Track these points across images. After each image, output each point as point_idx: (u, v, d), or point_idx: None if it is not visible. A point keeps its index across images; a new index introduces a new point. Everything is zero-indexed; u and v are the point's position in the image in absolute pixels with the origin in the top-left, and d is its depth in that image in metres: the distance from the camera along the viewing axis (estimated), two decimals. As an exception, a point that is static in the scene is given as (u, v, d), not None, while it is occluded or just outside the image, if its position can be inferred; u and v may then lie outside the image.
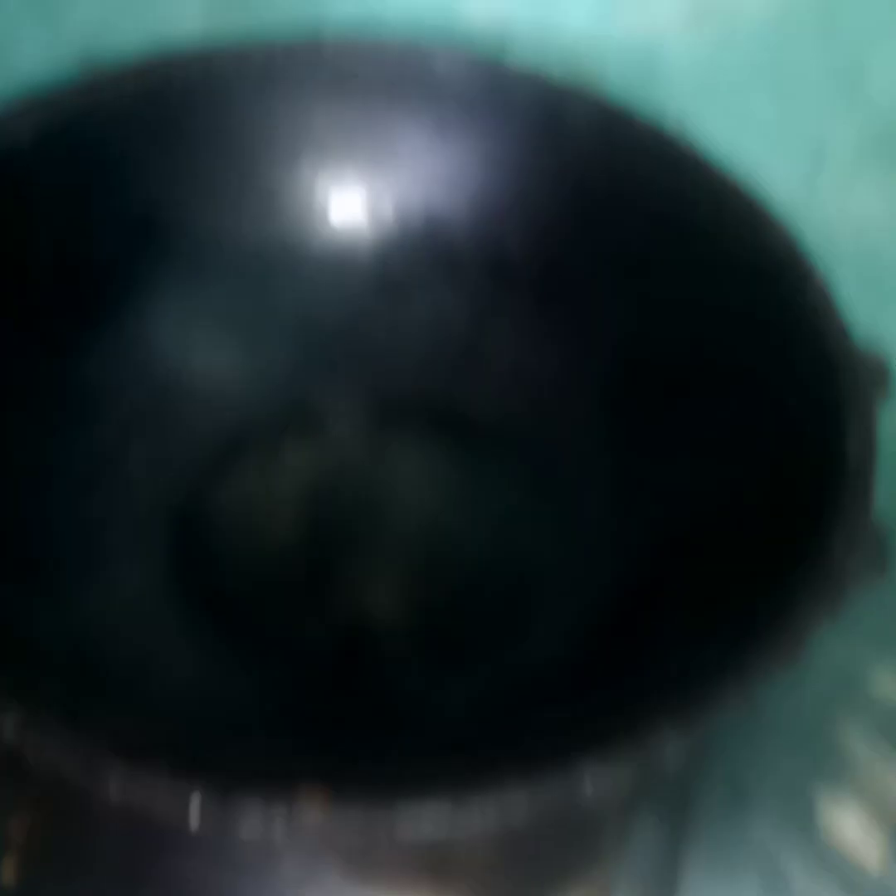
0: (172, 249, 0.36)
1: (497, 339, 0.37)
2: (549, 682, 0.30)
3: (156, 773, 0.22)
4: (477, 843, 0.29)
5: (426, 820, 0.22)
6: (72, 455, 0.33)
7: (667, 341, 0.35)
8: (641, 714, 0.24)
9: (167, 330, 0.36)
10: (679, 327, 0.35)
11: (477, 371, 0.37)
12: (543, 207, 0.37)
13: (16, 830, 0.28)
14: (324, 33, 0.37)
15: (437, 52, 0.37)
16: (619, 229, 0.36)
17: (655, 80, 0.40)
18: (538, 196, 0.37)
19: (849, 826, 0.33)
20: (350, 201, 0.38)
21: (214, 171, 0.36)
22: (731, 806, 0.32)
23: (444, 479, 0.36)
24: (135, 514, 0.33)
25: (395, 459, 0.37)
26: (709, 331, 0.34)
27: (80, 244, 0.34)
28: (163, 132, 0.35)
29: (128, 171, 0.35)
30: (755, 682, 0.24)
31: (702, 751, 0.31)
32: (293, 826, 0.22)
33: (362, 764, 0.25)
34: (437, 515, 0.35)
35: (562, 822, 0.28)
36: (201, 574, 0.33)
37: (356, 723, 0.30)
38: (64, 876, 0.28)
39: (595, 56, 0.39)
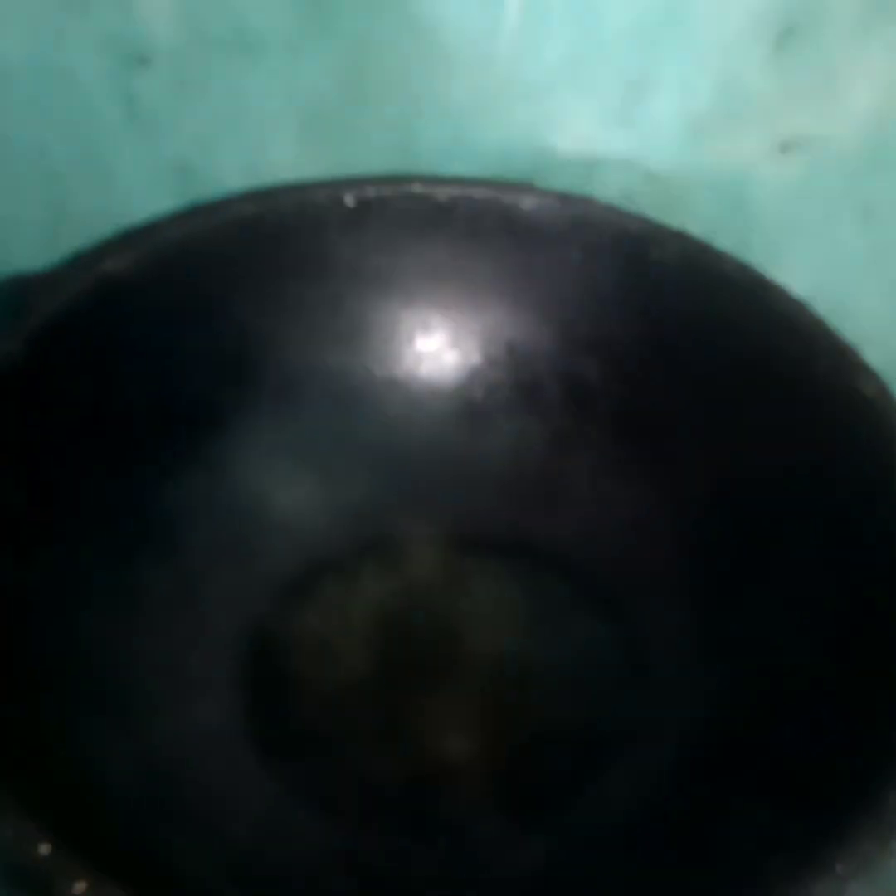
0: (260, 380, 0.36)
1: (577, 472, 0.37)
2: (621, 841, 0.29)
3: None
4: None
5: None
6: (151, 582, 0.33)
7: (751, 484, 0.34)
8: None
9: (251, 458, 0.36)
10: (764, 471, 0.34)
11: (556, 503, 0.37)
12: (626, 342, 0.37)
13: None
14: (414, 167, 0.38)
15: (524, 190, 0.37)
16: (703, 368, 0.36)
17: (743, 211, 0.40)
18: (621, 330, 0.37)
19: None
20: (434, 334, 0.38)
21: (304, 304, 0.37)
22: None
23: (523, 614, 0.36)
24: (212, 643, 0.33)
25: (473, 591, 0.36)
26: (795, 477, 0.33)
27: (171, 376, 0.35)
28: (255, 266, 0.36)
29: (220, 303, 0.36)
30: (847, 873, 0.23)
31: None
32: None
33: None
34: (515, 651, 0.35)
35: None
36: (276, 708, 0.33)
37: (426, 875, 0.29)
38: None
39: (682, 188, 0.39)
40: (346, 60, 0.37)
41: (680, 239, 0.36)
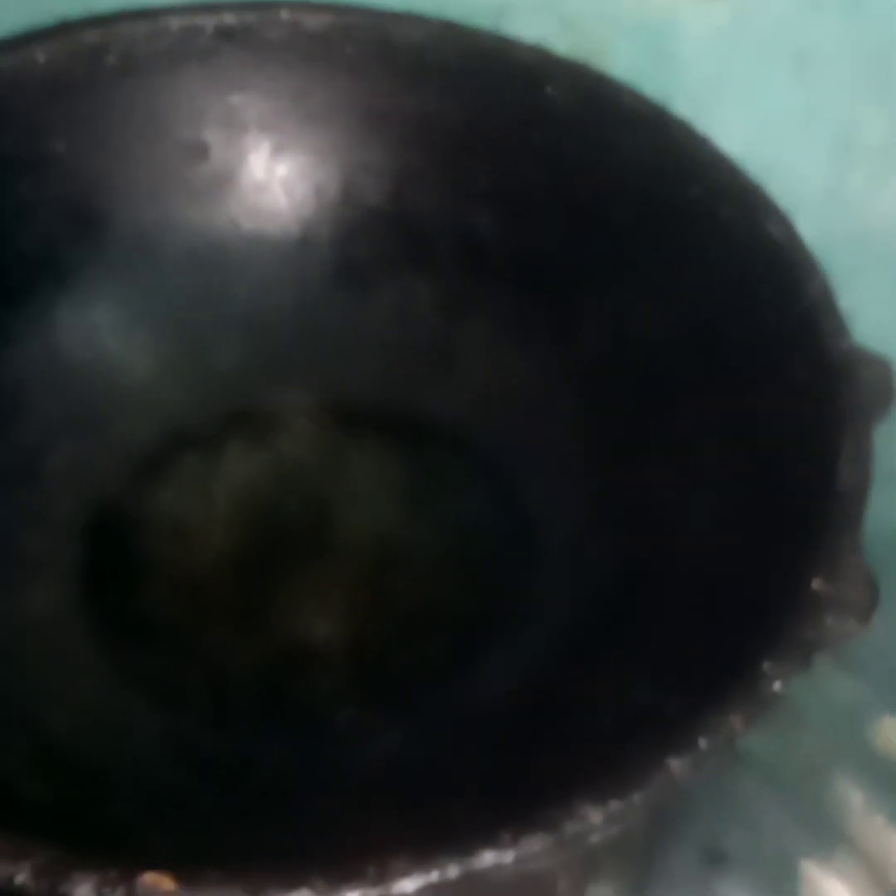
0: (109, 234, 0.33)
1: (468, 335, 0.34)
2: (489, 728, 0.26)
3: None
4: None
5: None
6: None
7: (652, 343, 0.31)
8: (571, 792, 0.20)
9: (100, 321, 0.33)
10: (666, 326, 0.31)
11: (445, 371, 0.34)
12: (522, 187, 0.33)
13: None
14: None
15: (406, 19, 0.33)
16: (604, 213, 0.32)
17: (666, 62, 0.36)
18: (516, 175, 0.33)
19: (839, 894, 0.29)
20: (310, 182, 0.34)
21: (158, 149, 0.33)
22: (703, 872, 0.29)
23: (403, 491, 0.33)
24: (51, 523, 0.30)
25: (352, 469, 0.33)
26: (697, 331, 0.30)
27: (8, 228, 0.31)
28: (100, 104, 0.32)
29: (60, 145, 0.32)
30: (710, 748, 0.21)
31: (661, 811, 0.27)
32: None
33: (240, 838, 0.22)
34: (392, 531, 0.32)
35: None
36: (120, 593, 0.30)
37: (273, 769, 0.26)
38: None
39: (600, 35, 0.36)
40: None
41: (576, 70, 0.32)
